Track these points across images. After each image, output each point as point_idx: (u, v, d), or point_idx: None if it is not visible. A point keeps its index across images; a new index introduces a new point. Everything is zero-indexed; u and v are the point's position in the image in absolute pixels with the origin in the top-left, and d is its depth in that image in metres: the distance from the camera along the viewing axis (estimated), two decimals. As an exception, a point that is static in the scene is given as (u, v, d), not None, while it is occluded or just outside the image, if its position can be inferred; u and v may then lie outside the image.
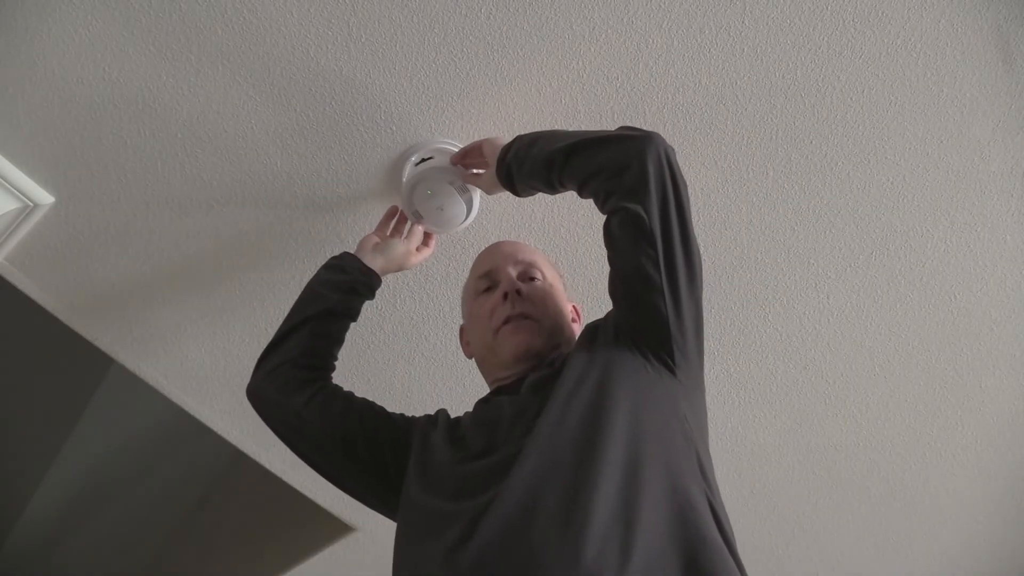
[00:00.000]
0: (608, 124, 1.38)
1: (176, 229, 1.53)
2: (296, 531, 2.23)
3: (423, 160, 1.40)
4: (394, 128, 1.39)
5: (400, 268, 1.41)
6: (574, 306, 1.26)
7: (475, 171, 1.34)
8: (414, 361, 1.72)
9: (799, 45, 1.31)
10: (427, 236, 1.46)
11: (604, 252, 1.09)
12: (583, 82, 1.34)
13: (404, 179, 1.41)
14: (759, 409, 1.80)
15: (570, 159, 1.11)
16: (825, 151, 1.43)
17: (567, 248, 1.53)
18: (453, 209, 1.39)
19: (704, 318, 1.07)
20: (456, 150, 1.37)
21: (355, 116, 1.38)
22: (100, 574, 3.19)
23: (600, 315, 1.14)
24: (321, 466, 1.20)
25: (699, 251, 1.06)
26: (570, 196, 1.16)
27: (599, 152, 1.09)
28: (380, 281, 1.36)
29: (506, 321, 1.15)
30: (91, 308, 1.63)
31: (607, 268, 1.09)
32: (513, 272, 1.20)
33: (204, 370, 1.74)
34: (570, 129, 1.21)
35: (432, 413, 1.20)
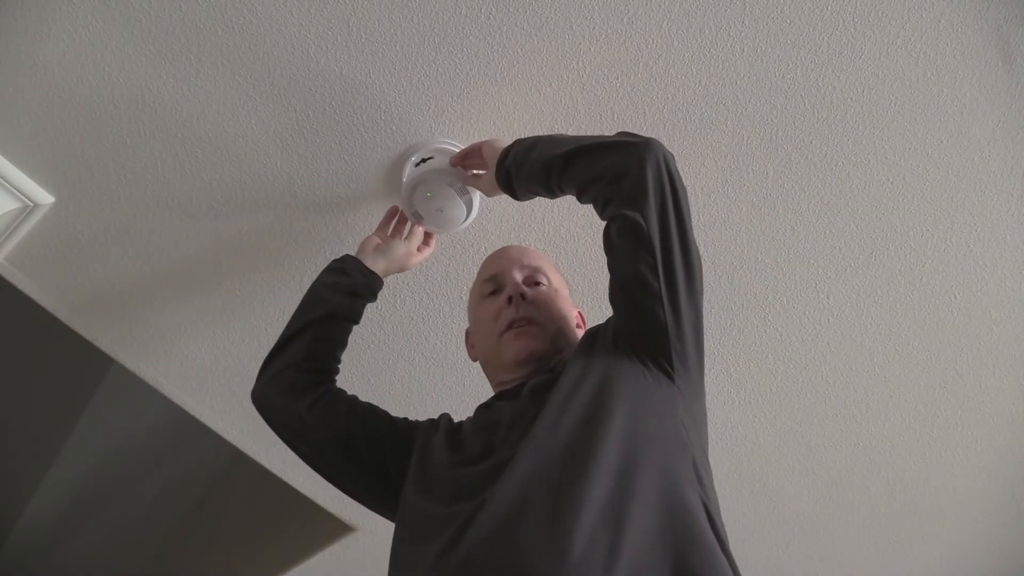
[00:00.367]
0: (608, 124, 1.38)
1: (176, 229, 1.53)
2: (296, 531, 2.23)
3: (423, 160, 1.40)
4: (394, 128, 1.39)
5: (401, 269, 1.41)
6: (579, 312, 1.26)
7: (475, 173, 1.34)
8: (414, 361, 1.72)
9: (799, 45, 1.31)
10: (428, 236, 1.46)
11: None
12: (583, 82, 1.34)
13: (404, 180, 1.41)
14: (759, 409, 1.80)
15: (569, 165, 1.11)
16: (825, 151, 1.43)
17: (568, 250, 1.53)
18: (453, 210, 1.39)
19: (704, 324, 1.07)
20: (456, 151, 1.37)
21: (355, 116, 1.38)
22: (100, 574, 3.19)
23: (602, 318, 1.13)
24: (323, 469, 1.20)
25: (699, 257, 1.06)
26: (571, 198, 1.17)
27: (598, 158, 1.09)
28: (382, 283, 1.36)
29: (510, 325, 1.15)
30: (91, 308, 1.63)
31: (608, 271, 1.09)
32: (519, 276, 1.21)
33: (204, 370, 1.74)
34: (569, 133, 1.21)
35: (435, 417, 1.19)
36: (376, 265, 1.36)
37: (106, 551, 3.18)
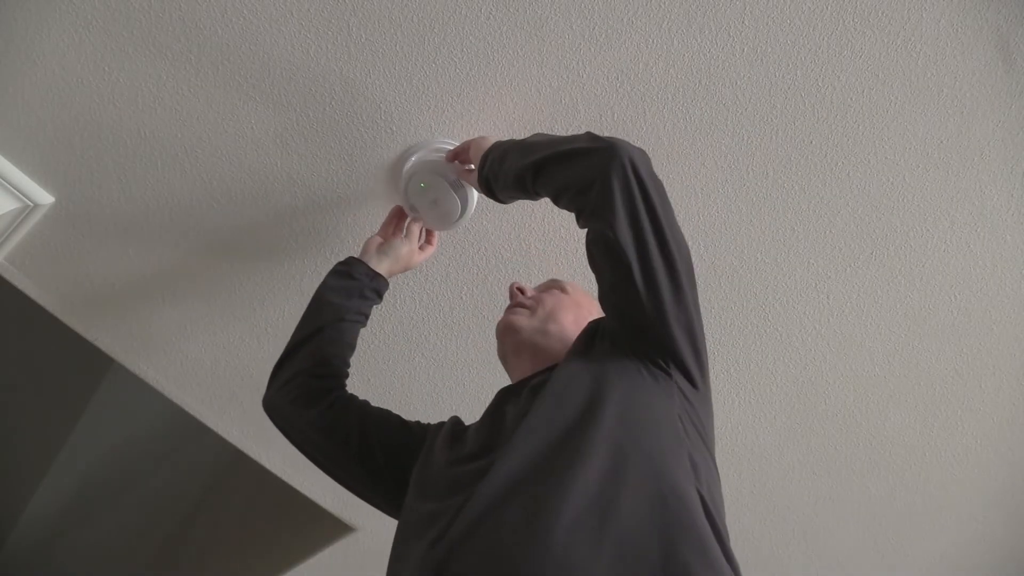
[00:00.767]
0: (608, 124, 1.38)
1: (176, 229, 1.53)
2: (296, 531, 2.23)
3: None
4: (394, 128, 1.39)
5: (405, 268, 1.42)
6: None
7: (468, 169, 1.35)
8: (414, 361, 1.72)
9: (799, 45, 1.31)
10: (429, 234, 1.46)
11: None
12: (583, 82, 1.34)
13: (403, 173, 1.42)
14: (759, 409, 1.80)
15: (538, 176, 1.11)
16: (825, 151, 1.43)
17: (568, 250, 1.53)
18: (447, 204, 1.39)
19: (697, 320, 1.05)
20: (455, 150, 1.38)
21: (355, 116, 1.38)
22: (100, 573, 3.19)
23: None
24: (339, 475, 1.21)
25: (684, 253, 1.04)
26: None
27: (564, 169, 1.08)
28: (387, 284, 1.37)
29: (505, 312, 1.20)
30: (91, 308, 1.63)
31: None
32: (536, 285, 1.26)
33: (204, 370, 1.74)
34: (544, 135, 1.21)
35: (445, 420, 1.20)
36: (380, 266, 1.36)
37: (106, 551, 3.18)
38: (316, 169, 1.44)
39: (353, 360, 1.32)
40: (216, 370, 1.74)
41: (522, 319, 1.18)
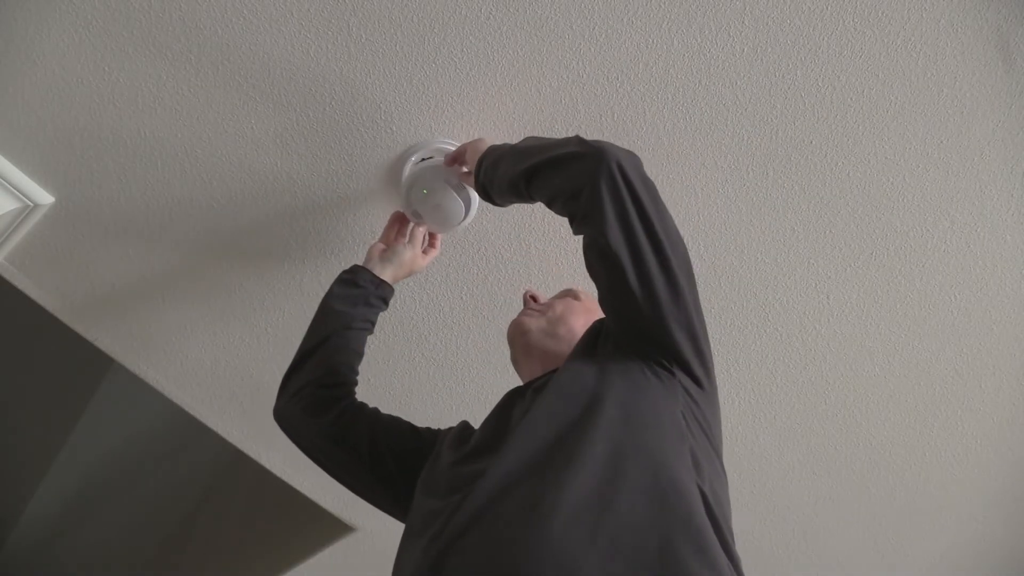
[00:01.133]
0: (608, 124, 1.38)
1: (176, 229, 1.53)
2: (296, 531, 2.23)
3: (423, 160, 1.40)
4: (394, 128, 1.39)
5: (410, 273, 1.42)
6: None
7: (467, 171, 1.35)
8: (414, 361, 1.72)
9: (799, 45, 1.31)
10: (432, 236, 1.47)
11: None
12: (583, 82, 1.34)
13: (404, 177, 1.41)
14: (759, 409, 1.80)
15: (530, 183, 1.12)
16: (825, 151, 1.43)
17: (569, 249, 1.53)
18: (450, 207, 1.39)
19: (698, 319, 1.04)
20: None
21: (355, 116, 1.38)
22: (100, 573, 3.19)
23: None
24: (350, 483, 1.22)
25: (681, 253, 1.03)
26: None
27: (553, 176, 1.08)
28: (392, 291, 1.38)
29: (518, 316, 1.22)
30: (91, 308, 1.63)
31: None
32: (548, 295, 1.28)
33: (204, 370, 1.74)
34: (536, 138, 1.21)
35: (455, 425, 1.20)
36: (384, 273, 1.36)
37: (106, 550, 3.18)
38: (316, 169, 1.44)
39: (356, 363, 1.32)
40: (216, 370, 1.74)
41: (531, 320, 1.20)
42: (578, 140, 1.09)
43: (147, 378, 1.75)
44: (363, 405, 1.25)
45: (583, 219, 1.04)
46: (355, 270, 1.36)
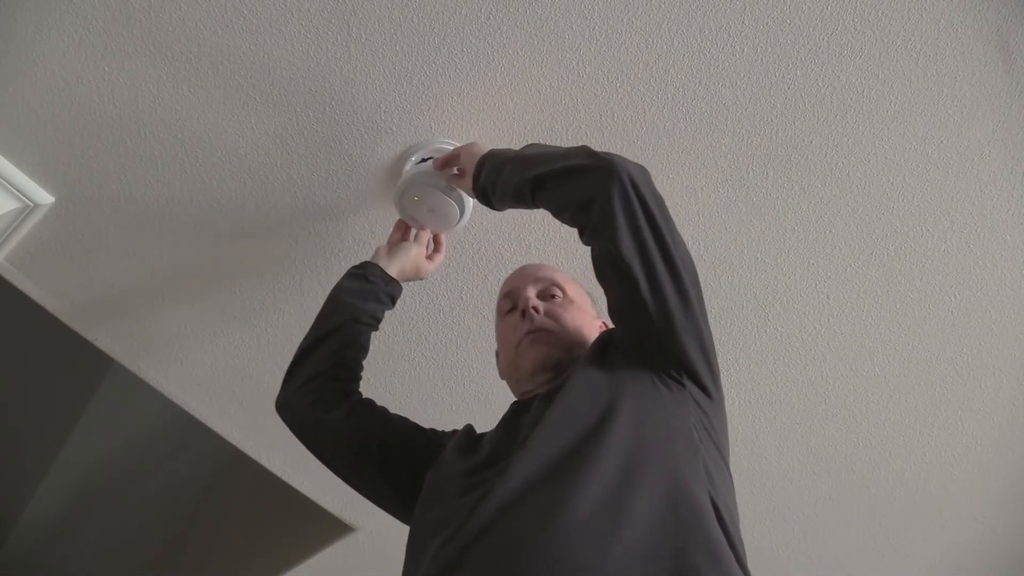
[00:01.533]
0: (608, 124, 1.38)
1: (176, 229, 1.53)
2: (296, 531, 2.23)
3: (423, 160, 1.41)
4: (394, 128, 1.39)
5: (416, 274, 1.42)
6: (603, 322, 1.25)
7: (457, 174, 1.35)
8: (414, 361, 1.72)
9: (799, 45, 1.31)
10: (436, 240, 1.48)
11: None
12: (583, 82, 1.34)
13: (396, 186, 1.42)
14: (759, 409, 1.80)
15: (536, 192, 1.11)
16: (825, 151, 1.43)
17: (569, 250, 1.53)
18: (445, 209, 1.39)
19: (707, 330, 1.05)
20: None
21: (355, 116, 1.38)
22: (100, 573, 3.19)
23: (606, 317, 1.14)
24: (352, 479, 1.21)
25: (689, 265, 1.04)
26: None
27: (563, 186, 1.08)
28: (401, 290, 1.38)
29: (526, 335, 1.16)
30: (91, 308, 1.63)
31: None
32: (533, 291, 1.21)
33: (204, 370, 1.74)
34: (540, 146, 1.21)
35: (459, 428, 1.20)
36: (392, 268, 1.37)
37: (106, 551, 3.18)
38: (316, 169, 1.44)
39: (354, 360, 1.32)
40: (216, 370, 1.74)
41: (554, 349, 1.14)
42: (588, 151, 1.09)
43: (147, 378, 1.75)
44: (371, 401, 1.25)
45: (595, 230, 1.04)
46: (365, 265, 1.36)
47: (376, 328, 1.34)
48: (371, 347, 1.33)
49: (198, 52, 1.30)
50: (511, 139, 1.38)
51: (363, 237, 1.53)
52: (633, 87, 1.35)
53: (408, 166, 1.42)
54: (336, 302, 1.32)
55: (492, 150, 1.24)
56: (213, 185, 1.47)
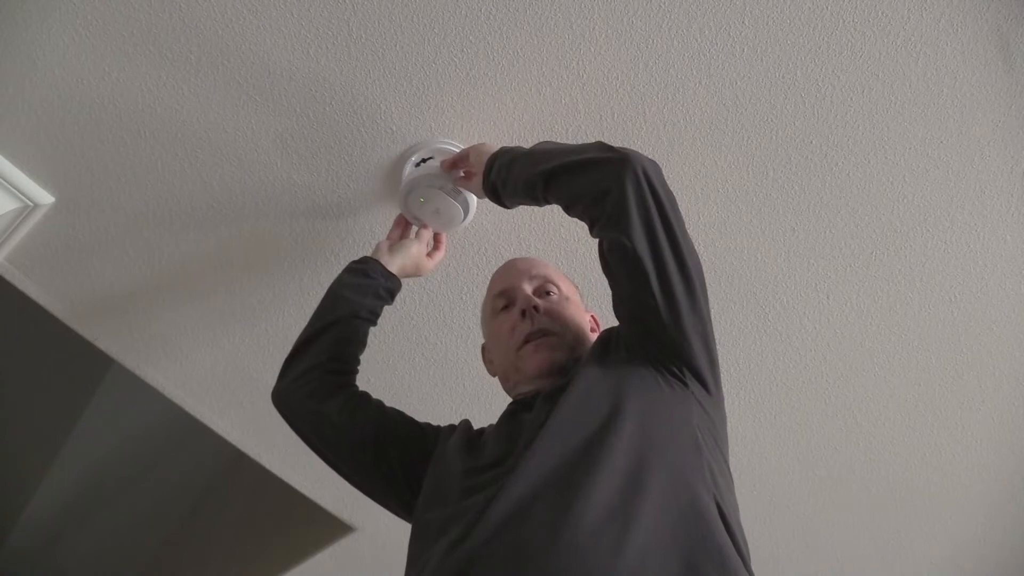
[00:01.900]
0: (608, 124, 1.38)
1: (176, 229, 1.53)
2: (296, 531, 2.23)
3: (423, 161, 1.41)
4: (394, 128, 1.39)
5: (416, 270, 1.42)
6: (592, 316, 1.26)
7: (464, 176, 1.35)
8: (414, 361, 1.72)
9: (799, 45, 1.31)
10: (437, 238, 1.48)
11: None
12: (583, 82, 1.34)
13: (402, 183, 1.42)
14: (759, 409, 1.80)
15: (549, 184, 1.11)
16: (825, 151, 1.43)
17: (569, 250, 1.53)
18: (449, 211, 1.40)
19: (711, 329, 1.06)
20: (456, 150, 1.38)
21: (355, 117, 1.38)
22: (100, 574, 3.19)
23: (607, 316, 1.14)
24: (345, 471, 1.21)
25: (696, 262, 1.05)
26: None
27: (577, 178, 1.09)
28: (400, 286, 1.38)
29: (527, 339, 1.15)
30: (91, 308, 1.63)
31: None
32: (528, 288, 1.21)
33: (204, 370, 1.74)
34: (552, 143, 1.21)
35: (455, 424, 1.20)
36: (392, 264, 1.37)
37: (106, 551, 3.18)
38: (316, 169, 1.44)
39: (353, 359, 1.31)
40: (216, 370, 1.74)
41: (558, 352, 1.14)
42: (601, 145, 1.10)
43: (147, 378, 1.75)
44: (367, 394, 1.24)
45: (607, 223, 1.04)
46: (365, 260, 1.36)
47: (375, 323, 1.34)
48: (372, 347, 1.33)
49: (198, 52, 1.30)
50: (511, 139, 1.38)
51: (363, 237, 1.53)
52: (633, 87, 1.35)
53: (408, 166, 1.42)
54: (335, 296, 1.32)
55: (503, 147, 1.24)
56: (213, 185, 1.47)
